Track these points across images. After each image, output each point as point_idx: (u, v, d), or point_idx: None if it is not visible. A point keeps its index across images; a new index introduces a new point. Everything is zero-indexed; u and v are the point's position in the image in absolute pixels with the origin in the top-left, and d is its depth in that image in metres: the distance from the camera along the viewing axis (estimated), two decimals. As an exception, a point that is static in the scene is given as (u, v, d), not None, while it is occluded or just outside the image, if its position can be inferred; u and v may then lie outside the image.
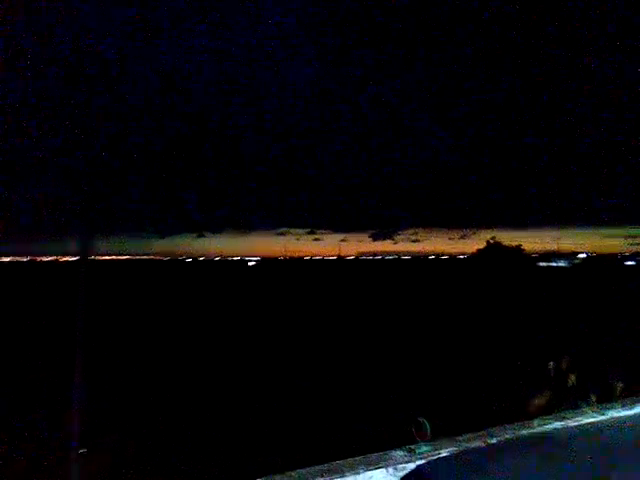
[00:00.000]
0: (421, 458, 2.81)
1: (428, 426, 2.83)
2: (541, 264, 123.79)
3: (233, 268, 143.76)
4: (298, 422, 9.24)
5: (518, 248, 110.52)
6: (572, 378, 3.04)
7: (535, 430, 2.92)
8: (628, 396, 3.57)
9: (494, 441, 2.81)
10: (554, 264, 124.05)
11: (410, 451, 2.97)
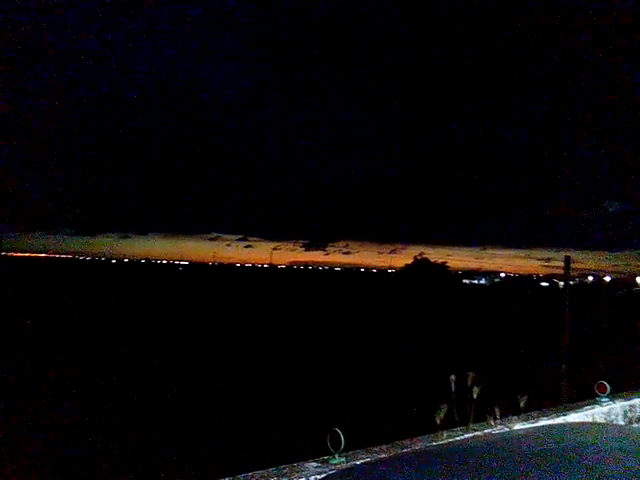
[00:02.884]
0: (335, 469, 2.81)
1: (342, 437, 2.84)
2: (465, 281, 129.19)
3: (162, 271, 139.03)
4: (209, 435, 9.02)
5: (444, 265, 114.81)
6: (477, 391, 3.15)
7: (444, 441, 3.00)
8: (531, 410, 3.77)
9: (405, 452, 2.86)
10: (476, 282, 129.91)
11: (324, 462, 2.97)
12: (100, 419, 9.67)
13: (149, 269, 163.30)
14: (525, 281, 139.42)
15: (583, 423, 3.16)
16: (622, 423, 4.26)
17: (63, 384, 12.27)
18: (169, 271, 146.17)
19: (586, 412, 3.97)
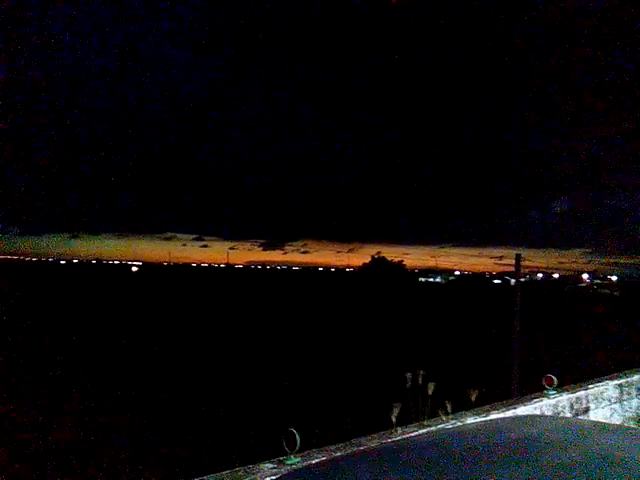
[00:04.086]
0: (290, 470, 2.78)
1: (298, 437, 2.81)
2: (421, 279, 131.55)
3: (114, 273, 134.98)
4: (164, 437, 8.83)
5: (400, 263, 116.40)
6: (432, 387, 3.20)
7: (398, 438, 3.02)
8: (483, 404, 3.86)
9: (360, 449, 2.87)
10: (432, 280, 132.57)
11: (279, 463, 2.93)
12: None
13: (101, 270, 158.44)
14: (478, 279, 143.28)
15: (532, 416, 3.25)
16: (568, 415, 4.43)
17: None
18: (121, 272, 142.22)
19: (535, 405, 4.10)
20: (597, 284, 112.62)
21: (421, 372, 3.13)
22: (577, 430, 2.05)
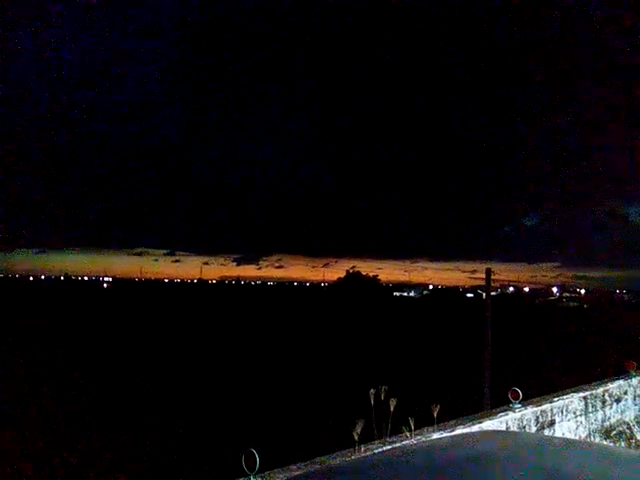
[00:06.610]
0: (251, 491, 2.69)
1: (257, 458, 2.73)
2: (395, 294, 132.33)
3: (84, 289, 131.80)
4: (129, 454, 8.58)
5: (374, 278, 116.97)
6: (393, 403, 3.15)
7: (361, 455, 2.97)
8: (448, 418, 3.84)
9: (324, 468, 2.80)
10: (406, 294, 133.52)
11: (239, 484, 2.84)
12: None
13: (71, 286, 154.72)
14: (452, 293, 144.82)
15: (493, 432, 3.24)
16: (534, 428, 4.44)
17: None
18: (92, 288, 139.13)
19: (500, 419, 4.08)
20: (566, 297, 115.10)
21: (384, 388, 3.08)
22: (536, 446, 2.04)
